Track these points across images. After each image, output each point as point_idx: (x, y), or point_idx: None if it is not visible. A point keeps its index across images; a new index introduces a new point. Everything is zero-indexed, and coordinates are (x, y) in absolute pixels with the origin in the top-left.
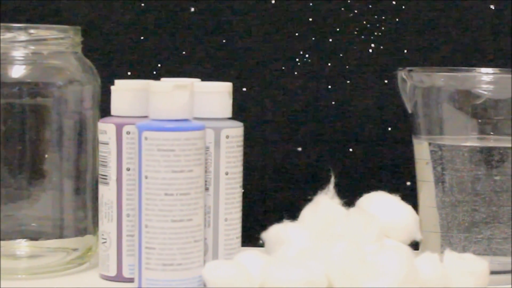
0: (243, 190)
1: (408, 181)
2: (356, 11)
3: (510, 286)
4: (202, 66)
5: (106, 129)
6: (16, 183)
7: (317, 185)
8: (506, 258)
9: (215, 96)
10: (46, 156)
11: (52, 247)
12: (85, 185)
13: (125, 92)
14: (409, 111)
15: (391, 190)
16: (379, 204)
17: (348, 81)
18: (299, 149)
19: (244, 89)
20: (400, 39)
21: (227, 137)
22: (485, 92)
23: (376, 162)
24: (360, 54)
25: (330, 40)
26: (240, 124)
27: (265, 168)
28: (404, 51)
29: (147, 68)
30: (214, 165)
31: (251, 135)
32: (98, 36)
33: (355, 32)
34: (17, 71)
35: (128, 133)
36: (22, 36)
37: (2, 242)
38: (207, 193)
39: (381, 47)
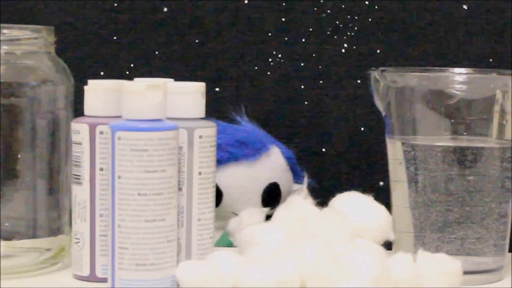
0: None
1: (381, 181)
2: (329, 11)
3: (483, 286)
4: (175, 66)
5: (79, 129)
6: None
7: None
8: (479, 258)
9: (188, 96)
10: (19, 156)
11: (25, 247)
12: (58, 185)
13: (98, 92)
14: (382, 111)
15: (364, 190)
16: (352, 204)
17: (321, 81)
18: None
19: (217, 89)
20: (373, 39)
21: (200, 137)
22: (458, 92)
23: (349, 162)
24: (333, 54)
25: (303, 40)
26: (213, 124)
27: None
28: (377, 51)
29: (120, 68)
30: (187, 165)
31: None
32: (71, 36)
33: (328, 32)
34: None
35: (101, 133)
36: None
37: None
38: (180, 193)
39: (354, 47)
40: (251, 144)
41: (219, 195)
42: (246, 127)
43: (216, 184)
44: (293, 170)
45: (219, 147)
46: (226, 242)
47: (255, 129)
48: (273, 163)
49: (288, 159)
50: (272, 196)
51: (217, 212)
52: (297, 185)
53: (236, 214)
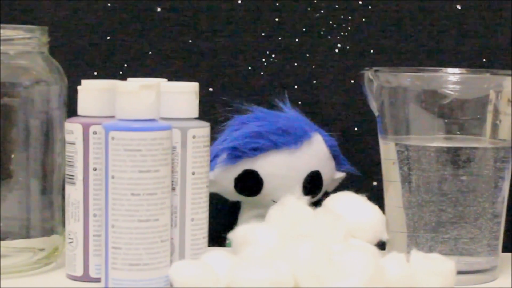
0: (209, 190)
1: (374, 181)
2: (322, 11)
3: (476, 286)
4: (168, 66)
5: (72, 129)
6: None
7: None
8: (473, 258)
9: (181, 96)
10: (13, 156)
11: (18, 247)
12: (52, 185)
13: (92, 92)
14: (376, 111)
15: (358, 190)
16: (346, 204)
17: (314, 81)
18: None
19: (211, 89)
20: (366, 39)
21: (194, 137)
22: (452, 92)
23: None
24: (327, 54)
25: (297, 40)
26: (207, 124)
27: None
28: (370, 51)
29: (114, 68)
30: (181, 165)
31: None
32: (65, 36)
33: (322, 32)
34: None
35: (94, 133)
36: None
37: None
38: (174, 193)
39: (348, 47)
40: (293, 132)
41: (259, 183)
42: (289, 114)
43: (257, 172)
44: (335, 158)
45: (260, 134)
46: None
47: (298, 116)
48: (315, 151)
49: (330, 147)
50: (313, 185)
51: (258, 200)
52: (339, 173)
53: (275, 201)
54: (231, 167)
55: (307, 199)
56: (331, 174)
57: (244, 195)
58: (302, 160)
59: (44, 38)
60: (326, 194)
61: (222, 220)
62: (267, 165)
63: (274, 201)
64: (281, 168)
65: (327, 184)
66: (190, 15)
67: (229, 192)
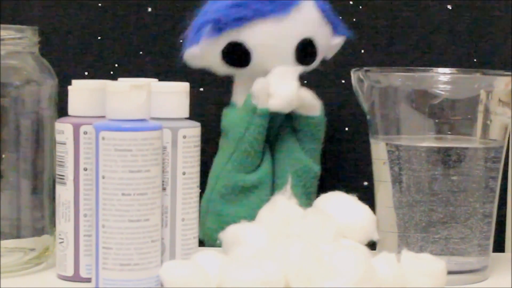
0: (200, 190)
1: (365, 181)
2: None
3: (467, 286)
4: (159, 66)
5: (63, 129)
6: None
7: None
8: (463, 258)
9: (172, 96)
10: (3, 156)
11: (9, 247)
12: (42, 185)
13: (82, 92)
14: (366, 111)
15: (348, 190)
16: (336, 204)
17: (305, 81)
18: None
19: (201, 89)
20: (357, 39)
21: (184, 137)
22: (442, 92)
23: (333, 162)
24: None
25: None
26: (197, 124)
27: None
28: (361, 51)
29: (104, 68)
30: (171, 165)
31: (208, 135)
32: (55, 36)
33: None
34: None
35: (85, 133)
36: None
37: None
38: (164, 193)
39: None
40: None
41: (247, 54)
42: None
43: (243, 43)
44: (330, 22)
45: (243, 4)
46: (248, 105)
47: None
48: (306, 17)
49: (323, 11)
50: (306, 53)
51: (249, 71)
52: (336, 38)
53: (265, 75)
54: (216, 39)
55: (300, 68)
56: (327, 40)
57: (234, 67)
58: (291, 28)
59: (34, 38)
60: (324, 62)
61: None
62: (253, 36)
63: (268, 71)
64: (269, 38)
65: (323, 51)
66: (181, 15)
67: (218, 66)
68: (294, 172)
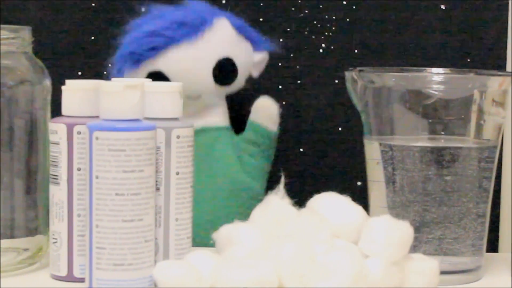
0: (193, 190)
1: (358, 181)
2: (306, 11)
3: (460, 286)
4: None
5: (57, 129)
6: None
7: (268, 185)
8: (457, 258)
9: (165, 96)
10: None
11: (2, 247)
12: (36, 185)
13: (76, 92)
14: (360, 111)
15: (342, 190)
16: (330, 204)
17: (298, 81)
18: None
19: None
20: (350, 39)
21: (178, 137)
22: (436, 92)
23: (326, 162)
24: (311, 54)
25: (281, 40)
26: (191, 124)
27: None
28: (355, 51)
29: (98, 68)
30: (165, 165)
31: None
32: (49, 36)
33: (306, 32)
34: None
35: (79, 133)
36: None
37: None
38: (158, 193)
39: (332, 47)
40: (189, 23)
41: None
42: (189, 5)
43: (162, 72)
44: (249, 38)
45: (154, 32)
46: None
47: (198, 6)
48: (220, 37)
49: (238, 28)
50: (225, 72)
51: None
52: (259, 54)
53: (193, 99)
54: (135, 71)
55: (226, 88)
56: (247, 57)
57: None
58: (205, 50)
59: (28, 38)
60: (252, 80)
61: None
62: (169, 63)
63: (188, 98)
64: (185, 63)
65: (245, 68)
66: None
67: None
68: (231, 191)
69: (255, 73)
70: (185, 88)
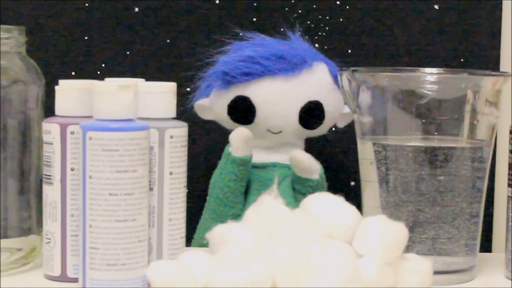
0: (187, 190)
1: (352, 181)
2: (300, 11)
3: (454, 286)
4: (146, 66)
5: (50, 129)
6: None
7: None
8: (450, 258)
9: (159, 96)
10: None
11: None
12: (29, 185)
13: (69, 92)
14: (353, 111)
15: (335, 190)
16: (323, 204)
17: None
18: None
19: (189, 89)
20: (344, 39)
21: (171, 137)
22: (429, 92)
23: (320, 162)
24: None
25: None
26: (184, 124)
27: (209, 168)
28: (348, 51)
29: (91, 68)
30: (158, 165)
31: (196, 135)
32: (43, 36)
33: (299, 32)
34: None
35: (72, 133)
36: None
37: None
38: (151, 193)
39: (325, 47)
40: (289, 59)
41: (252, 110)
42: (293, 42)
43: (249, 98)
44: None
45: (252, 59)
46: (225, 152)
47: (301, 45)
48: (316, 80)
49: (335, 76)
50: (312, 115)
51: (252, 129)
52: (347, 108)
53: (273, 133)
54: (224, 92)
55: (308, 131)
56: (337, 106)
57: (238, 123)
58: (299, 88)
59: (21, 38)
60: (335, 131)
61: None
62: (259, 91)
63: (269, 131)
64: (275, 95)
65: (332, 118)
66: (168, 15)
67: (224, 120)
68: None
69: (341, 125)
70: (268, 121)
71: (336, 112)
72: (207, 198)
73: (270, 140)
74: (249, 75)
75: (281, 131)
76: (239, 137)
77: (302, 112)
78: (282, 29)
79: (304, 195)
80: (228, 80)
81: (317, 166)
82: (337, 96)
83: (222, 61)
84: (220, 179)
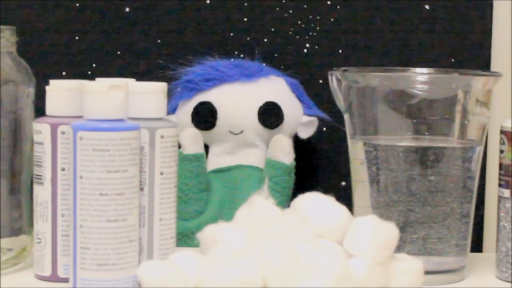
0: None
1: (343, 181)
2: (291, 11)
3: (444, 286)
4: (137, 66)
5: (41, 129)
6: None
7: None
8: (441, 258)
9: (150, 96)
10: None
11: None
12: (20, 185)
13: (60, 92)
14: (344, 111)
15: (326, 190)
16: (314, 204)
17: None
18: None
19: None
20: (335, 39)
21: (162, 137)
22: (420, 92)
23: (311, 162)
24: (295, 54)
25: (265, 40)
26: (175, 124)
27: None
28: (339, 51)
29: (82, 68)
30: (149, 165)
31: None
32: (33, 36)
33: (290, 32)
34: None
35: (63, 133)
36: None
37: None
38: (142, 193)
39: (316, 47)
40: (246, 67)
41: (214, 113)
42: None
43: (211, 102)
44: (301, 100)
45: (212, 67)
46: (180, 153)
47: (258, 62)
48: (273, 86)
49: (292, 85)
50: (270, 114)
51: (216, 134)
52: (307, 117)
53: (235, 134)
54: (188, 102)
55: (268, 131)
56: (296, 113)
57: (202, 128)
58: (256, 91)
59: (12, 38)
60: (298, 141)
61: None
62: (220, 95)
63: (231, 132)
64: (234, 97)
65: (292, 122)
66: (159, 15)
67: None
68: None
69: (303, 135)
70: (230, 121)
71: (296, 118)
72: None
73: (232, 142)
74: (209, 81)
75: (242, 131)
76: (187, 135)
77: (261, 110)
78: (272, 29)
79: (272, 178)
80: (192, 87)
81: (292, 154)
82: (296, 103)
83: (187, 72)
84: (179, 179)
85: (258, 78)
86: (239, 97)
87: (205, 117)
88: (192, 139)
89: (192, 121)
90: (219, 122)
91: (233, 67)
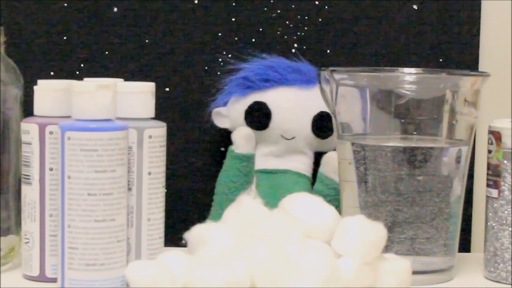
0: (166, 190)
1: None
2: (279, 11)
3: (433, 286)
4: (125, 66)
5: (29, 129)
6: None
7: None
8: (429, 258)
9: (138, 96)
10: None
11: None
12: (8, 185)
13: (48, 92)
14: (332, 111)
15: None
16: (302, 204)
17: None
18: (222, 149)
19: (167, 89)
20: (323, 39)
21: (150, 137)
22: (408, 92)
23: None
24: (283, 54)
25: (253, 40)
26: (163, 124)
27: (188, 168)
28: (327, 51)
29: (70, 68)
30: (137, 165)
31: (174, 135)
32: (21, 36)
33: (278, 32)
34: None
35: (51, 133)
36: None
37: None
38: (130, 193)
39: (304, 47)
40: (305, 72)
41: (268, 115)
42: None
43: (266, 104)
44: None
45: (271, 68)
46: (229, 150)
47: (313, 67)
48: None
49: None
50: (324, 125)
51: (267, 135)
52: None
53: (287, 139)
54: (242, 99)
55: (318, 141)
56: None
57: (254, 128)
58: (312, 98)
59: (0, 38)
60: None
61: None
62: (276, 98)
63: (283, 137)
64: (290, 102)
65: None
66: (147, 15)
67: (240, 126)
68: None
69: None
70: (283, 126)
71: None
72: (214, 197)
73: (282, 146)
74: (267, 82)
75: (294, 137)
76: (241, 134)
77: (315, 120)
78: (260, 29)
79: (325, 197)
80: (248, 85)
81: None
82: None
83: (243, 68)
84: (225, 175)
85: (314, 85)
86: (295, 103)
87: (259, 117)
88: (245, 139)
89: (245, 119)
90: (272, 124)
91: (292, 70)
